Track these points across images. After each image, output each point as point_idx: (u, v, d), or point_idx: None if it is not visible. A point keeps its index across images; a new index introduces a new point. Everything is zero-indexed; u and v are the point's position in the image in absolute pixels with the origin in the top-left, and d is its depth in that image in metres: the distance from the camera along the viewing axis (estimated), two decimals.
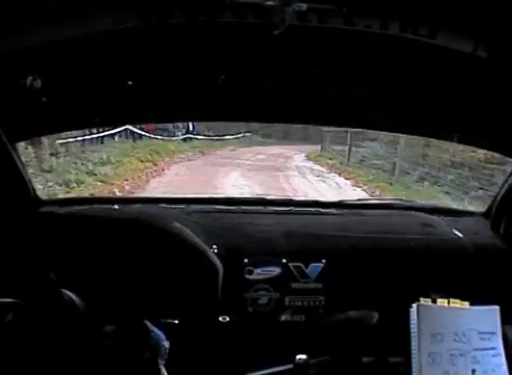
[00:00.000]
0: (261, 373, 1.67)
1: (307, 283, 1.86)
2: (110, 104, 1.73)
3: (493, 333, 1.50)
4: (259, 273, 1.85)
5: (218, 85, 1.60)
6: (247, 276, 1.84)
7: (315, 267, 1.87)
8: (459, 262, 1.91)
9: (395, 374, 1.62)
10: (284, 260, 1.85)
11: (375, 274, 1.85)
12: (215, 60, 1.50)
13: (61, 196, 6.32)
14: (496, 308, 1.52)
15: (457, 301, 1.51)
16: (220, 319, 1.74)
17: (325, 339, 1.79)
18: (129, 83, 1.53)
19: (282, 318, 1.85)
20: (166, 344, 1.59)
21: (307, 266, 1.86)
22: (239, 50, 1.48)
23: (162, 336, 1.59)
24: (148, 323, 1.58)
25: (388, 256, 1.90)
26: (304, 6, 1.25)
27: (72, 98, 1.61)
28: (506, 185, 2.00)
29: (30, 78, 1.39)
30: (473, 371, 1.46)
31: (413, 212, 2.19)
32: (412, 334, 1.48)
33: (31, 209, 1.87)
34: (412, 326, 1.49)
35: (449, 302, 1.51)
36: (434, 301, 1.51)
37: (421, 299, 1.50)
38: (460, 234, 2.01)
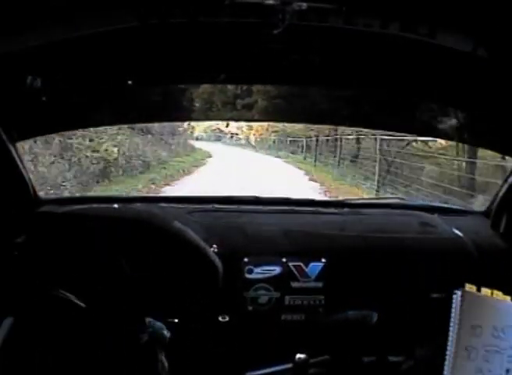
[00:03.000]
0: (260, 373, 1.68)
1: (307, 282, 1.86)
2: (110, 104, 1.73)
3: None
4: (259, 273, 1.85)
5: (217, 84, 1.61)
6: (247, 276, 1.84)
7: (315, 266, 1.87)
8: (459, 261, 1.91)
9: (395, 374, 1.63)
10: (284, 259, 1.86)
11: (374, 273, 1.86)
12: (214, 60, 1.50)
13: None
14: None
15: (500, 293, 1.41)
16: (220, 318, 1.74)
17: (325, 338, 1.79)
18: (129, 82, 1.53)
19: (282, 317, 1.85)
20: (167, 333, 1.58)
21: (307, 266, 1.86)
22: (239, 49, 1.48)
23: (162, 326, 1.59)
24: (148, 319, 1.58)
25: (388, 255, 1.90)
26: (304, 5, 1.25)
27: (73, 98, 1.61)
28: (506, 184, 2.00)
29: (30, 78, 1.40)
30: (507, 371, 1.36)
31: (413, 211, 2.19)
32: (451, 323, 1.36)
33: (31, 209, 1.87)
34: (453, 314, 1.36)
35: (492, 293, 1.40)
36: (478, 290, 1.39)
37: (467, 285, 1.39)
38: (460, 233, 2.00)
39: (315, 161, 16.82)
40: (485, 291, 1.39)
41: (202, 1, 1.28)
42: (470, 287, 1.39)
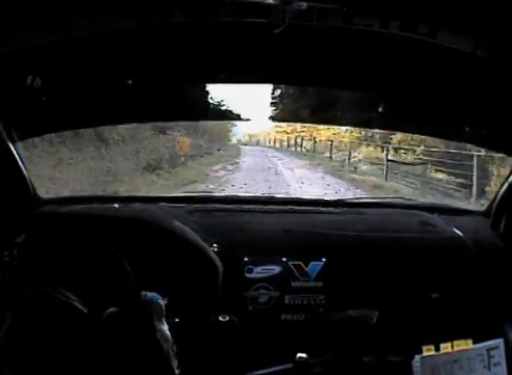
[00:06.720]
0: (261, 373, 1.67)
1: (307, 281, 1.86)
2: (110, 103, 1.73)
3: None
4: (259, 272, 1.85)
5: (218, 84, 1.61)
6: (247, 275, 1.84)
7: (315, 266, 1.87)
8: (458, 260, 1.92)
9: (395, 374, 1.63)
10: (284, 259, 1.86)
11: (374, 273, 1.86)
12: (215, 59, 1.50)
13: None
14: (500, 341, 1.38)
15: (461, 342, 1.35)
16: (220, 318, 1.74)
17: (325, 338, 1.79)
18: (130, 82, 1.53)
19: (282, 317, 1.85)
20: (162, 301, 1.54)
21: (307, 265, 1.87)
22: (239, 49, 1.48)
23: (157, 296, 1.53)
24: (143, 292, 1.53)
25: (388, 255, 1.90)
26: (305, 5, 1.25)
27: (73, 98, 1.61)
28: (506, 184, 2.00)
29: (30, 78, 1.40)
30: None
31: (413, 210, 2.19)
32: None
33: (31, 209, 1.87)
34: None
35: (452, 346, 1.35)
36: (437, 348, 1.33)
37: (424, 348, 1.32)
38: (459, 233, 2.01)
39: None
40: (445, 346, 1.33)
41: (202, 1, 1.29)
42: (428, 349, 1.31)
